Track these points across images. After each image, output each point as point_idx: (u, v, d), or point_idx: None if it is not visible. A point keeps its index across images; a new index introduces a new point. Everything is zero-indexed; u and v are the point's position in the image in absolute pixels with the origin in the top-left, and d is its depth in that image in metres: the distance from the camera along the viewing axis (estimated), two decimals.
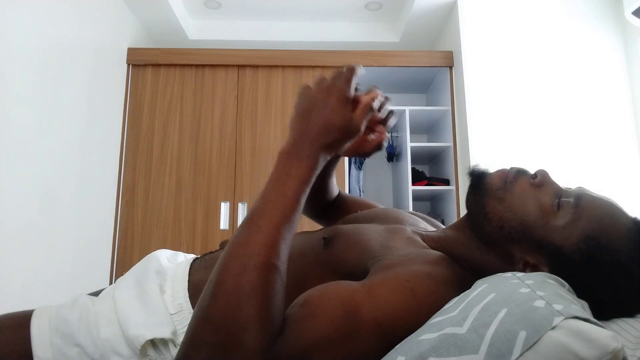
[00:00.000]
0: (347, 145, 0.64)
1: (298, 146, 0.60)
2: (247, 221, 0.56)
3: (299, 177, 0.58)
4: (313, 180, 0.60)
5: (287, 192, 0.57)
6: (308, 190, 0.59)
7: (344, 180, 2.70)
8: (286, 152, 0.60)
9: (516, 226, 0.64)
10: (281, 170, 0.59)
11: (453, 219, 2.72)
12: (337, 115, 0.61)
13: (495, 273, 0.62)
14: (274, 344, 0.49)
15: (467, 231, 0.71)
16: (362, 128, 0.64)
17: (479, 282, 0.59)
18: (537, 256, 0.63)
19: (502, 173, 0.69)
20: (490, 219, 0.66)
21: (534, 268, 0.63)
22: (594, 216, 0.61)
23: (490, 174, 0.70)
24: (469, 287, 0.62)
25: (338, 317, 0.51)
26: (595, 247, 0.60)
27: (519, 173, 0.67)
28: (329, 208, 1.00)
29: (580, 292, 0.57)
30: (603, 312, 0.57)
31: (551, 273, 0.60)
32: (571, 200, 0.63)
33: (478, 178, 0.70)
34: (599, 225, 0.60)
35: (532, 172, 0.69)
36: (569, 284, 0.57)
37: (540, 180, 0.66)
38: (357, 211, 0.94)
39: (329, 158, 0.62)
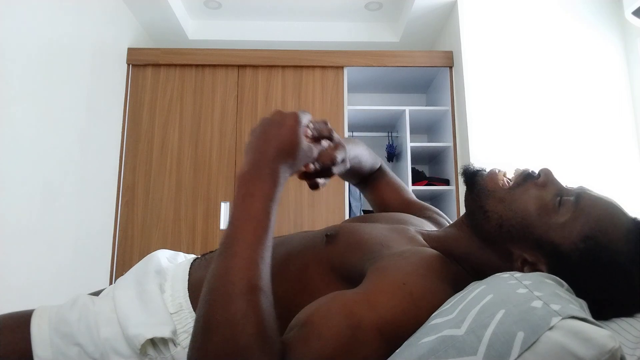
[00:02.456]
0: (303, 164, 0.65)
1: (257, 167, 0.60)
2: (221, 250, 0.55)
3: (264, 196, 0.58)
4: (279, 196, 0.60)
5: (256, 213, 0.57)
6: (276, 207, 0.59)
7: (344, 180, 2.69)
8: (246, 174, 0.60)
9: (516, 224, 0.65)
10: (245, 193, 0.58)
11: (453, 219, 2.72)
12: (294, 134, 0.62)
13: (494, 271, 0.63)
14: None
15: (467, 229, 0.72)
16: (315, 153, 0.65)
17: (476, 284, 0.59)
18: (535, 254, 0.63)
19: (495, 175, 0.70)
20: (490, 218, 0.67)
21: (533, 266, 0.63)
22: (593, 215, 0.61)
23: (483, 174, 0.71)
24: (464, 285, 0.63)
25: (342, 335, 0.51)
26: (593, 246, 0.60)
27: (527, 177, 0.68)
28: (371, 179, 1.04)
29: (578, 291, 0.57)
30: (602, 312, 0.57)
31: (549, 272, 0.61)
32: (572, 198, 0.63)
33: (471, 177, 0.72)
34: (598, 224, 0.61)
35: (535, 171, 0.69)
36: (567, 283, 0.58)
37: (544, 180, 0.67)
38: (385, 197, 1.01)
39: (288, 176, 0.63)
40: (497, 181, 0.69)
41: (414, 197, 1.04)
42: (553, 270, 0.61)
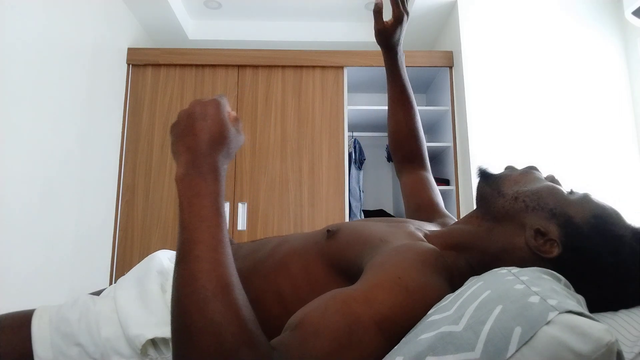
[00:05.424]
0: (236, 149, 0.63)
1: (194, 165, 0.58)
2: (181, 258, 0.53)
3: (210, 193, 0.56)
4: (224, 190, 0.58)
5: (207, 213, 0.55)
6: (224, 201, 0.58)
7: (344, 180, 2.70)
8: (185, 175, 0.57)
9: (531, 195, 0.69)
10: (190, 194, 0.56)
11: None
12: (220, 123, 0.60)
13: (503, 251, 0.68)
14: None
15: (475, 221, 0.75)
16: (243, 135, 0.64)
17: (474, 279, 0.60)
18: (549, 224, 0.66)
19: (511, 169, 0.77)
20: (505, 194, 0.72)
21: (544, 236, 0.66)
22: (601, 204, 0.67)
23: (499, 172, 0.78)
24: (460, 279, 0.65)
25: (340, 332, 0.50)
26: (603, 223, 0.64)
27: (534, 168, 0.75)
28: (414, 167, 1.12)
29: (585, 265, 0.62)
30: (606, 296, 0.61)
31: (560, 242, 0.64)
32: (580, 192, 0.70)
33: (487, 172, 0.77)
34: (606, 211, 0.66)
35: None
36: (576, 257, 0.62)
37: (551, 178, 0.74)
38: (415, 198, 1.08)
39: (227, 166, 0.61)
40: (512, 173, 0.75)
41: (441, 202, 1.09)
42: (564, 240, 0.64)
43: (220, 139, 0.59)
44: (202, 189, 0.56)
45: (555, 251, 0.64)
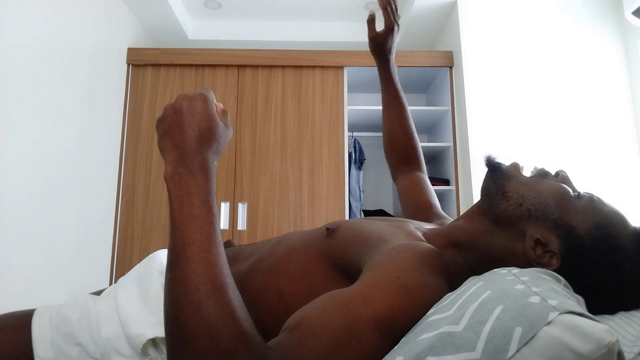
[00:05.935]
0: (226, 144, 0.62)
1: (183, 163, 0.55)
2: (173, 259, 0.51)
3: (201, 191, 0.55)
4: (214, 187, 0.57)
5: (198, 212, 0.53)
6: (215, 199, 0.56)
7: (344, 180, 2.70)
8: (174, 173, 0.55)
9: (537, 204, 0.67)
10: (180, 193, 0.54)
11: (453, 218, 2.72)
12: (209, 119, 0.58)
13: (502, 254, 0.67)
14: None
15: (476, 218, 0.73)
16: (231, 130, 0.63)
17: (474, 279, 0.60)
18: (549, 235, 0.65)
19: (518, 165, 0.74)
20: (510, 197, 0.70)
21: (544, 247, 0.65)
22: (606, 211, 0.66)
23: (505, 164, 0.75)
24: (458, 278, 0.65)
25: (339, 331, 0.50)
26: (606, 235, 0.63)
27: (547, 174, 0.73)
28: (412, 171, 1.13)
29: (584, 277, 0.60)
30: (604, 302, 0.60)
31: (560, 253, 0.64)
32: (587, 194, 0.68)
33: (494, 163, 0.75)
34: (610, 219, 0.65)
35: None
36: (575, 268, 0.61)
37: (562, 178, 0.71)
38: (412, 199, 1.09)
39: (216, 162, 0.60)
40: (520, 170, 0.73)
41: (438, 204, 1.09)
42: (564, 251, 0.63)
43: (209, 135, 0.58)
44: (192, 188, 0.54)
45: (555, 263, 0.63)
